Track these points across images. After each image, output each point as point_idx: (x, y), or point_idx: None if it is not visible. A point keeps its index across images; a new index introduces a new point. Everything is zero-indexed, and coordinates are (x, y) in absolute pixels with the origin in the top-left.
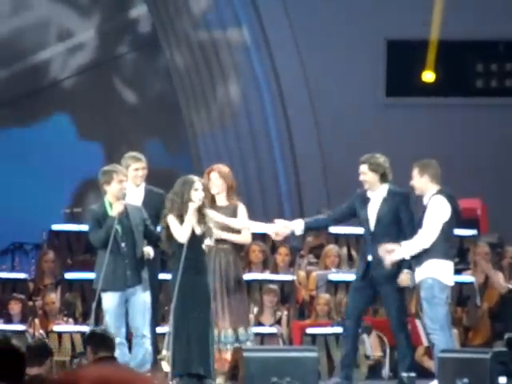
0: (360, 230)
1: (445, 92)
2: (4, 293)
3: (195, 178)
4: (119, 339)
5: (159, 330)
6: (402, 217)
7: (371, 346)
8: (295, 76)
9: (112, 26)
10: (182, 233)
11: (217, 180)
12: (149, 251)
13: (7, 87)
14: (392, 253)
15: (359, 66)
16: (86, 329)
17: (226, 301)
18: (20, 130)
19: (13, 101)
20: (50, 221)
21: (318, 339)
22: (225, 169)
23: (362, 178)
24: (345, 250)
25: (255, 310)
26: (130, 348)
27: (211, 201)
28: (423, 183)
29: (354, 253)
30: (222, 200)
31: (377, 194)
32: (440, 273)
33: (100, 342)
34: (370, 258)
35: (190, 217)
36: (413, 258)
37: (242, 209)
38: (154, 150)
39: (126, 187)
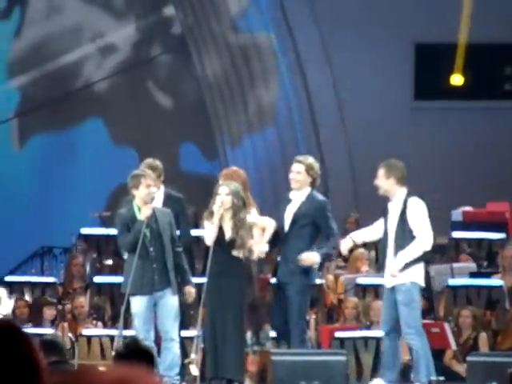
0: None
1: (473, 95)
2: (33, 297)
3: (221, 183)
4: (147, 343)
5: (187, 333)
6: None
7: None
8: (323, 80)
9: (145, 29)
10: (206, 235)
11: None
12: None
13: (41, 91)
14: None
15: (387, 70)
16: (115, 332)
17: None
18: (53, 134)
19: (47, 105)
20: (79, 225)
21: (346, 343)
22: (238, 173)
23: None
24: (373, 254)
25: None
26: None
27: None
28: (389, 184)
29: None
30: None
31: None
32: (418, 276)
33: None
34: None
35: (214, 220)
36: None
37: (253, 212)
38: (187, 154)
39: (154, 192)
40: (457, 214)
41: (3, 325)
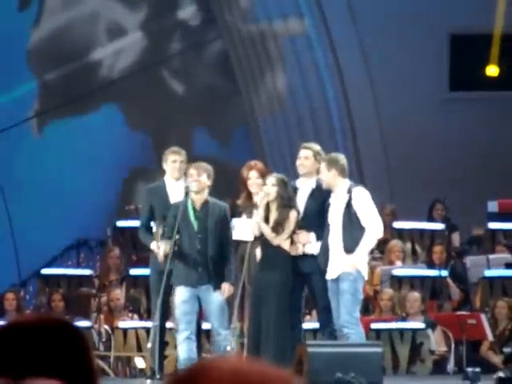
0: (425, 225)
1: (509, 86)
2: (70, 289)
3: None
4: (186, 333)
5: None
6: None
7: (436, 341)
8: (358, 71)
9: (160, 20)
10: (246, 228)
11: (257, 179)
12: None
13: (58, 79)
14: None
15: (423, 61)
16: (150, 325)
17: None
18: (74, 121)
19: (63, 93)
20: (114, 217)
21: (382, 334)
22: (262, 166)
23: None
24: (409, 245)
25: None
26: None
27: (247, 198)
28: (331, 177)
29: (418, 248)
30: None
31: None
32: (362, 266)
33: None
34: None
35: (260, 211)
36: (326, 249)
37: None
38: (199, 139)
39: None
40: (493, 205)
41: (59, 322)
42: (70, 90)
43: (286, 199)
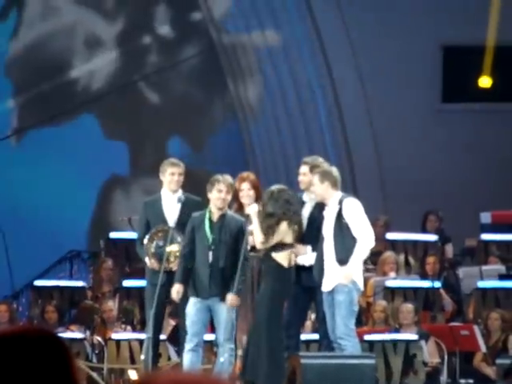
0: (418, 237)
1: (502, 97)
2: (63, 301)
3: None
4: (191, 345)
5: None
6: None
7: (429, 352)
8: (351, 82)
9: (134, 28)
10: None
11: (249, 191)
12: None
13: (35, 90)
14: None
15: (415, 72)
16: (143, 336)
17: None
18: (48, 130)
19: (40, 101)
20: (106, 229)
21: (375, 346)
22: (255, 178)
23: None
24: (402, 257)
25: (313, 316)
26: None
27: (239, 209)
28: (324, 189)
29: (411, 259)
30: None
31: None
32: (358, 278)
33: None
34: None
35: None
36: (321, 261)
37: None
38: (175, 148)
39: (226, 198)
40: (486, 217)
41: (40, 333)
42: (47, 104)
43: (273, 212)
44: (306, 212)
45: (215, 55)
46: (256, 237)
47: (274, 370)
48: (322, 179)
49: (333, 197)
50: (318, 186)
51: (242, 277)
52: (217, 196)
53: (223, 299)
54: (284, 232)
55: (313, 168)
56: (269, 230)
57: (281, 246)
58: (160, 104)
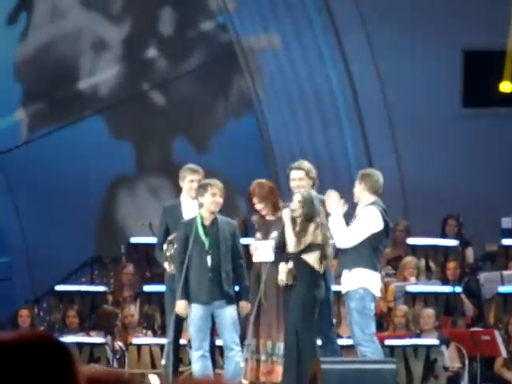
0: (438, 241)
1: None
2: (84, 306)
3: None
4: (201, 352)
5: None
6: None
7: (450, 357)
8: (372, 87)
9: (140, 31)
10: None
11: (258, 205)
12: None
13: (44, 90)
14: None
15: (436, 77)
16: (164, 341)
17: (279, 309)
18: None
19: (49, 103)
20: (128, 233)
21: (396, 351)
22: (264, 189)
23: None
24: (423, 262)
25: (333, 321)
26: None
27: (261, 216)
28: (359, 191)
29: (431, 264)
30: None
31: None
32: (370, 283)
33: None
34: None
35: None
36: (339, 266)
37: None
38: (180, 149)
39: (220, 201)
40: (507, 222)
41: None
42: (55, 102)
43: (310, 215)
44: None
45: (222, 57)
46: (289, 241)
47: (287, 374)
48: (361, 180)
49: (364, 200)
50: (356, 187)
51: (247, 281)
52: (211, 200)
53: (228, 303)
54: (314, 234)
55: (308, 173)
56: (301, 233)
57: (310, 248)
58: (166, 105)
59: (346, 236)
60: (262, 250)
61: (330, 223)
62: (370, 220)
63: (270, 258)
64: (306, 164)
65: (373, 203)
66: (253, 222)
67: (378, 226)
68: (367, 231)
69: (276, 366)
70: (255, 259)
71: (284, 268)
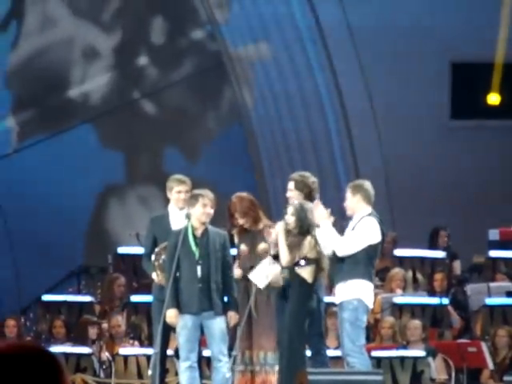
0: (426, 253)
1: (510, 114)
2: (71, 316)
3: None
4: (189, 363)
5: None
6: None
7: (437, 369)
8: (360, 98)
9: (131, 40)
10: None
11: (240, 220)
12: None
13: (35, 98)
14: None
15: (423, 89)
16: (151, 352)
17: (270, 320)
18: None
19: (39, 112)
20: (115, 245)
21: (383, 362)
22: (244, 204)
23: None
24: (410, 273)
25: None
26: None
27: (241, 228)
28: (354, 203)
29: (419, 276)
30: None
31: None
32: (365, 295)
33: None
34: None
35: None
36: (334, 277)
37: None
38: (171, 157)
39: (210, 212)
40: (494, 234)
41: (32, 349)
42: (45, 111)
43: (305, 227)
44: None
45: (212, 66)
46: (282, 254)
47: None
48: (354, 192)
49: (360, 211)
50: (349, 200)
51: (235, 292)
52: (202, 211)
53: (216, 314)
54: (308, 247)
55: (297, 183)
56: (294, 246)
57: (305, 261)
58: (156, 114)
59: (344, 244)
60: (258, 271)
61: (318, 233)
62: (369, 231)
63: (261, 283)
64: (296, 175)
65: (370, 214)
66: (233, 235)
67: (377, 237)
68: (366, 242)
69: (269, 376)
70: (250, 276)
71: (278, 271)
